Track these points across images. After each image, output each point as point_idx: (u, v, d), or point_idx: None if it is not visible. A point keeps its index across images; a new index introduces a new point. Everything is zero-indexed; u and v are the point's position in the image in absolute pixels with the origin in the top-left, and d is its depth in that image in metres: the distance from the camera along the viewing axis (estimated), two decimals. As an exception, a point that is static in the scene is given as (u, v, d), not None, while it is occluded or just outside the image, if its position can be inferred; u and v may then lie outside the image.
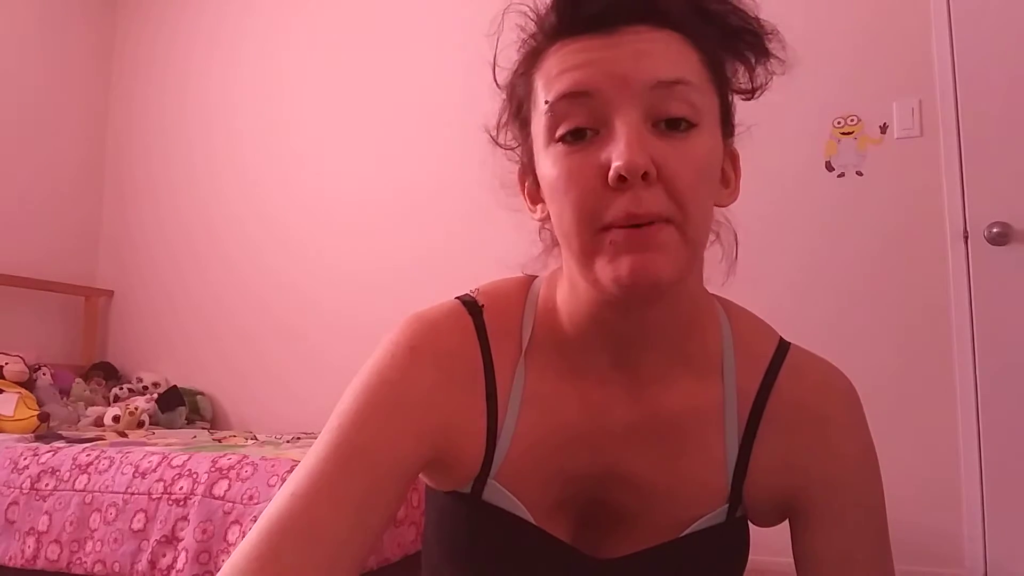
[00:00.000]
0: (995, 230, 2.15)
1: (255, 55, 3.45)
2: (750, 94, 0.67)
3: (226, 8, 3.55)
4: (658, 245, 0.56)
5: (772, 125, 2.65)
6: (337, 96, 3.23)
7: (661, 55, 0.58)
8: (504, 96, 0.69)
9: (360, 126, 3.17)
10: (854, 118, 2.39)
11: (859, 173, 2.37)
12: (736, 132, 0.68)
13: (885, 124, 2.35)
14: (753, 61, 0.65)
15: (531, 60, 0.64)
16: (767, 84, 0.66)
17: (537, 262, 0.73)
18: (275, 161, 3.33)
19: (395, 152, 3.08)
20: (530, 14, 0.64)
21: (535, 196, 0.67)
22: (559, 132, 0.59)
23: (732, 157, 0.68)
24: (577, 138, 0.58)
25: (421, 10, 3.10)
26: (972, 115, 2.24)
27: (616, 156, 0.55)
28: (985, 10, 2.26)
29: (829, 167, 2.40)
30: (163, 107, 3.64)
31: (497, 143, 0.71)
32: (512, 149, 0.70)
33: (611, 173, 0.55)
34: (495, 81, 0.69)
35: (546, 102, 0.59)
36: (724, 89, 0.64)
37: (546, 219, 0.66)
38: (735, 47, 0.64)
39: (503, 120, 0.70)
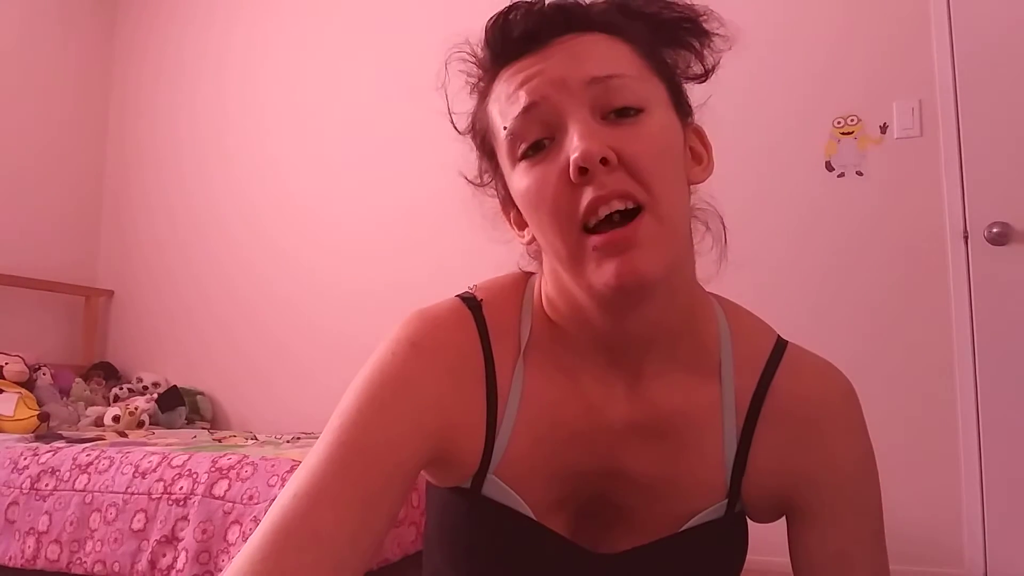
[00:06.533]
0: (995, 230, 2.15)
1: (255, 61, 3.45)
2: (703, 77, 0.69)
3: (231, 8, 3.55)
4: (638, 242, 0.57)
5: (772, 125, 2.67)
6: (333, 107, 3.22)
7: (592, 54, 0.61)
8: (470, 137, 0.72)
9: (358, 140, 3.16)
10: (854, 118, 2.38)
11: (859, 173, 2.37)
12: (694, 112, 0.69)
13: (885, 124, 2.35)
14: (698, 46, 0.68)
15: (482, 95, 0.68)
16: (717, 63, 0.69)
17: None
18: (280, 153, 3.33)
19: (392, 167, 3.07)
20: (469, 58, 0.68)
21: (521, 223, 0.69)
22: (520, 150, 0.62)
23: (698, 134, 0.69)
24: (537, 150, 0.61)
25: (419, 25, 3.04)
26: (972, 115, 2.24)
27: (571, 149, 0.58)
28: (985, 10, 2.26)
29: (829, 167, 2.40)
30: (163, 108, 3.64)
31: (475, 184, 0.73)
32: (488, 185, 0.72)
33: (571, 167, 0.57)
34: (454, 128, 0.72)
35: (504, 127, 0.63)
36: (669, 74, 0.67)
37: (533, 240, 0.68)
38: (676, 38, 0.67)
39: (480, 164, 0.72)
